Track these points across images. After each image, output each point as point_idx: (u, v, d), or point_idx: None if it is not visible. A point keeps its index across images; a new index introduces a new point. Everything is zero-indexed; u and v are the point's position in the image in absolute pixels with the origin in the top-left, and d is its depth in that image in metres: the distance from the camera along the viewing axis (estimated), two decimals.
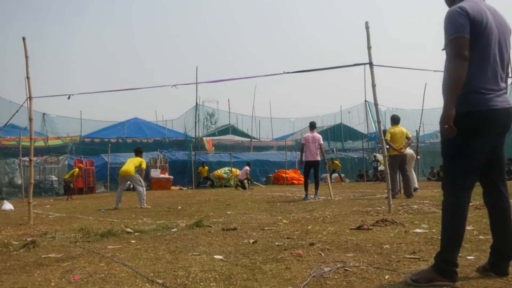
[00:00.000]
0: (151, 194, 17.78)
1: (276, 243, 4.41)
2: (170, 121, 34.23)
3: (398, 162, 10.40)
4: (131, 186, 11.65)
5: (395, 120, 10.83)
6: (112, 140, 25.81)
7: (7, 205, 12.06)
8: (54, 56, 70.70)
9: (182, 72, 71.78)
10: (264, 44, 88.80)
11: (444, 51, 2.81)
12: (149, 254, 4.12)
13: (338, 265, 3.32)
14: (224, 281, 3.04)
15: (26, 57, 7.94)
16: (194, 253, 4.06)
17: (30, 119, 8.25)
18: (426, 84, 22.48)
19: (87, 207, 11.66)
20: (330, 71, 9.48)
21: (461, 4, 2.74)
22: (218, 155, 27.54)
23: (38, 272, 3.57)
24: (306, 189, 11.14)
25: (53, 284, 3.18)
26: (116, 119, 36.86)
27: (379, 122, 7.89)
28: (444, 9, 2.87)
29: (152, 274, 3.31)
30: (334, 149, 32.17)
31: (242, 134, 33.78)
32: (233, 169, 24.27)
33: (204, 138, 29.93)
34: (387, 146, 9.97)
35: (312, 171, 11.44)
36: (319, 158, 11.15)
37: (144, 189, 10.99)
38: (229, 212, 8.11)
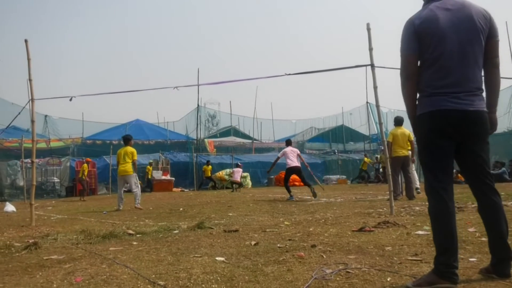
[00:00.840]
0: (152, 196, 17.83)
1: (278, 245, 4.40)
2: (172, 123, 34.26)
3: (400, 163, 10.39)
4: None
5: (398, 122, 10.81)
6: (113, 142, 25.78)
7: (9, 207, 12.09)
8: (56, 58, 70.88)
9: (184, 74, 71.99)
10: (265, 46, 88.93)
11: None
12: (151, 256, 4.13)
13: (340, 267, 3.31)
14: (226, 283, 3.04)
15: (28, 59, 7.96)
16: (196, 255, 4.06)
17: (32, 121, 8.26)
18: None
19: (89, 208, 11.67)
20: (331, 72, 9.54)
21: (416, 14, 2.91)
22: (220, 156, 27.55)
23: (40, 273, 3.57)
24: (289, 191, 12.09)
25: (55, 285, 3.18)
26: (117, 120, 36.98)
27: (380, 123, 7.90)
28: None
29: (154, 276, 3.31)
30: (336, 151, 32.17)
31: (244, 135, 33.79)
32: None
33: (205, 139, 29.95)
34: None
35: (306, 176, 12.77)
36: (299, 164, 12.43)
37: (139, 189, 11.15)
38: (230, 214, 8.11)
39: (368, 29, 7.34)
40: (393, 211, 6.91)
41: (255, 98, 49.79)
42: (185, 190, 22.91)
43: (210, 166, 23.66)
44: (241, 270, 3.38)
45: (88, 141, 27.83)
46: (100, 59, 76.83)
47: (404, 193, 10.35)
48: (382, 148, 8.77)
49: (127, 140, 11.54)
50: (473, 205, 7.07)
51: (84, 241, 5.29)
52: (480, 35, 2.76)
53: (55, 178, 22.23)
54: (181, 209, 9.94)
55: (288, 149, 12.75)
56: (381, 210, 7.60)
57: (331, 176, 27.14)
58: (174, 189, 22.53)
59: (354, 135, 34.87)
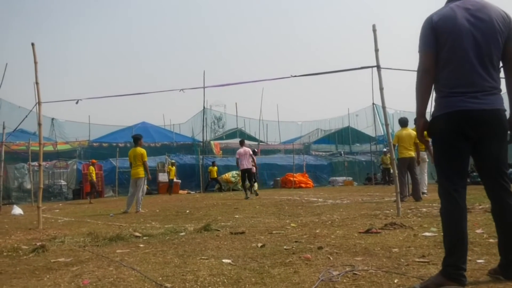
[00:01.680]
0: (158, 198, 17.88)
1: (285, 247, 4.40)
2: (178, 125, 34.32)
3: (406, 164, 10.35)
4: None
5: (402, 123, 10.79)
6: (120, 145, 25.89)
7: (17, 210, 12.15)
8: (62, 61, 71.24)
9: (190, 76, 72.10)
10: (271, 48, 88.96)
11: None
12: (158, 258, 4.13)
13: (347, 269, 3.31)
14: (233, 285, 3.04)
15: (35, 62, 8.01)
16: (203, 257, 4.06)
17: (39, 124, 8.31)
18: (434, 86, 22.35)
19: (95, 211, 11.71)
20: (337, 74, 9.50)
21: (435, 12, 2.89)
22: (226, 158, 27.53)
23: (48, 276, 3.59)
24: (245, 190, 14.33)
25: None
26: (124, 123, 37.07)
27: (387, 125, 7.88)
28: None
29: (160, 278, 3.32)
30: (342, 152, 32.09)
31: (250, 137, 33.72)
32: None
33: (211, 142, 29.96)
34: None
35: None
36: (251, 166, 14.73)
37: (143, 194, 11.24)
38: (237, 216, 8.11)
39: (374, 31, 7.33)
40: (400, 212, 6.89)
41: (261, 100, 49.78)
42: (192, 192, 22.93)
43: (215, 167, 23.65)
44: (248, 272, 3.38)
45: (94, 144, 27.93)
46: (106, 62, 77.23)
47: (410, 194, 10.31)
48: (385, 150, 8.75)
49: (136, 140, 11.60)
50: (480, 207, 7.02)
51: (91, 243, 5.31)
52: (497, 36, 2.75)
53: (62, 181, 22.32)
54: (187, 211, 9.95)
55: (242, 150, 14.41)
56: (387, 211, 7.57)
57: (337, 178, 27.06)
58: (181, 191, 22.56)
59: (360, 137, 34.75)
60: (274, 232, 5.59)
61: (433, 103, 2.92)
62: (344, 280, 3.01)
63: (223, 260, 3.86)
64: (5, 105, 24.39)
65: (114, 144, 26.34)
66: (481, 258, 3.42)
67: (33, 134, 21.89)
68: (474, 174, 18.81)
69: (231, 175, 24.03)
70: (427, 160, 11.33)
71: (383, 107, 7.56)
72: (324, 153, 32.59)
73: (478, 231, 4.73)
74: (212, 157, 26.65)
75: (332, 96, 71.51)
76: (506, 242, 2.77)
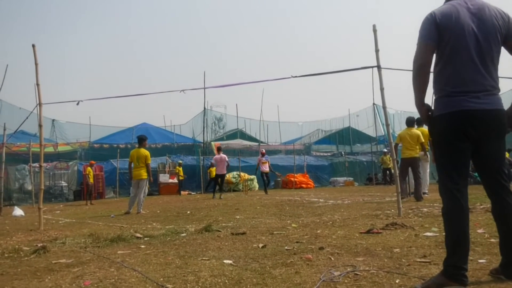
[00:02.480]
0: (159, 199, 17.87)
1: (286, 248, 4.40)
2: (179, 126, 34.28)
3: (407, 165, 10.34)
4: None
5: (409, 122, 10.76)
6: (121, 146, 25.89)
7: (18, 211, 12.15)
8: (63, 62, 71.27)
9: (190, 77, 72.08)
10: (271, 49, 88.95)
11: None
12: (159, 259, 4.13)
13: (348, 269, 3.30)
14: (234, 286, 3.04)
15: (36, 64, 8.02)
16: (204, 258, 4.06)
17: (40, 126, 8.31)
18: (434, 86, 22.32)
19: (96, 212, 11.71)
20: (338, 74, 9.47)
21: (436, 8, 2.88)
22: None
23: (49, 277, 3.59)
24: (214, 192, 16.83)
25: None
26: (125, 124, 36.96)
27: (387, 125, 7.88)
28: None
29: (162, 279, 3.32)
30: (343, 153, 32.07)
31: (250, 138, 33.72)
32: (242, 174, 24.28)
33: (212, 142, 29.91)
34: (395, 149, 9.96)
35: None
36: (225, 172, 16.89)
37: (145, 195, 11.24)
38: (238, 217, 8.10)
39: (375, 31, 7.33)
40: (401, 212, 6.89)
41: (261, 101, 49.77)
42: (192, 193, 22.93)
43: (215, 168, 23.64)
44: (249, 273, 3.38)
45: (95, 145, 27.92)
46: (107, 63, 77.28)
47: (411, 194, 10.32)
48: (385, 150, 8.72)
49: (141, 141, 11.55)
50: (481, 206, 7.02)
51: (92, 244, 5.31)
52: (497, 35, 2.76)
53: (63, 182, 22.31)
54: (188, 212, 9.95)
55: (218, 157, 16.66)
56: (388, 211, 7.57)
57: (338, 178, 27.05)
58: (182, 192, 22.56)
59: (361, 137, 34.72)
60: (275, 232, 5.58)
61: (433, 103, 2.91)
62: (346, 281, 3.01)
63: (224, 261, 3.86)
64: (6, 106, 24.38)
65: (115, 145, 26.34)
66: (483, 258, 3.41)
67: (33, 135, 21.90)
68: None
69: (232, 176, 24.01)
70: (429, 159, 11.32)
71: (384, 107, 7.56)
72: (324, 154, 32.57)
73: (480, 231, 4.73)
74: (213, 157, 26.64)
75: (332, 97, 71.48)
76: (507, 242, 2.77)
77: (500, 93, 2.83)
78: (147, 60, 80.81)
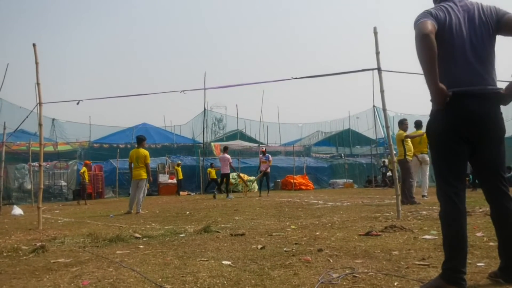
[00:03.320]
0: (159, 199, 17.87)
1: (284, 249, 4.40)
2: (179, 127, 34.31)
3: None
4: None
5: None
6: (120, 146, 25.90)
7: (17, 210, 12.15)
8: (63, 61, 71.27)
9: (191, 77, 72.07)
10: (272, 50, 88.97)
11: None
12: (158, 260, 4.13)
13: (347, 272, 3.30)
14: (232, 287, 3.04)
15: (36, 63, 8.02)
16: (202, 259, 4.06)
17: (40, 125, 8.31)
18: None
19: (96, 212, 11.71)
20: (338, 76, 9.47)
21: (430, 8, 2.87)
22: None
23: (47, 277, 3.59)
24: (221, 191, 17.73)
25: None
26: (124, 124, 37.01)
27: (387, 127, 7.88)
28: None
29: (160, 279, 3.32)
30: (342, 155, 32.08)
31: (250, 139, 33.73)
32: (241, 174, 24.28)
33: (212, 143, 29.94)
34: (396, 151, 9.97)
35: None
36: (228, 172, 17.03)
37: (144, 195, 11.24)
38: (237, 218, 8.10)
39: (375, 33, 7.34)
40: (400, 215, 6.89)
41: (261, 102, 49.78)
42: (192, 194, 22.94)
43: (214, 169, 23.66)
44: (248, 274, 3.37)
45: (95, 145, 27.94)
46: (107, 63, 77.27)
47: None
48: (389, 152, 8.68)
49: (140, 141, 11.55)
50: (480, 210, 7.02)
51: (91, 244, 5.31)
52: (490, 31, 2.77)
53: (62, 181, 22.31)
54: (187, 212, 9.95)
55: (221, 156, 17.23)
56: (388, 214, 7.57)
57: (337, 180, 27.07)
58: (181, 193, 22.57)
59: (360, 139, 34.74)
60: (274, 234, 5.58)
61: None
62: (344, 283, 3.01)
63: (223, 262, 3.86)
64: (6, 105, 24.40)
65: (115, 145, 26.36)
66: (481, 261, 3.41)
67: (33, 134, 21.90)
68: None
69: (231, 177, 24.00)
70: (429, 162, 11.31)
71: (384, 110, 7.56)
72: (324, 155, 32.58)
73: (478, 234, 4.73)
74: (213, 158, 26.64)
75: (332, 98, 71.46)
76: (505, 246, 2.77)
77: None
78: (148, 60, 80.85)
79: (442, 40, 2.73)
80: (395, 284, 2.91)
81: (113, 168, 22.82)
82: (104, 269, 3.79)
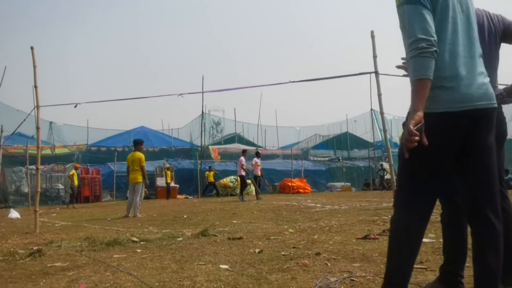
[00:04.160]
0: (156, 202, 17.84)
1: (282, 253, 4.39)
2: (176, 130, 34.34)
3: None
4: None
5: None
6: (118, 149, 25.85)
7: (14, 214, 12.11)
8: (60, 64, 71.24)
9: (188, 81, 72.08)
10: (270, 53, 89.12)
11: None
12: (155, 264, 4.12)
13: (345, 275, 3.30)
14: None
15: (34, 66, 8.01)
16: (200, 263, 4.05)
17: (38, 128, 8.30)
18: None
19: (93, 215, 11.68)
20: (336, 80, 9.52)
21: None
22: (224, 163, 27.52)
23: (44, 281, 3.57)
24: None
25: None
26: (122, 127, 36.97)
27: (385, 131, 7.90)
28: None
29: (157, 283, 3.30)
30: (340, 158, 32.12)
31: (248, 142, 33.75)
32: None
33: (210, 146, 29.94)
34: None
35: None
36: (241, 174, 17.13)
37: (141, 198, 11.25)
38: (235, 221, 8.09)
39: (372, 37, 7.36)
40: None
41: (259, 105, 49.87)
42: (189, 197, 22.89)
43: (212, 172, 23.64)
44: (245, 278, 3.36)
45: (92, 148, 27.89)
46: (105, 66, 77.25)
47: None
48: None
49: (136, 144, 11.62)
50: None
51: (88, 248, 5.29)
52: (497, 38, 2.79)
53: (59, 184, 22.27)
54: (185, 216, 9.93)
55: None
56: (386, 217, 7.56)
57: (335, 183, 27.07)
58: (178, 196, 22.52)
59: (358, 142, 34.81)
60: (272, 237, 5.57)
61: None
62: (342, 287, 3.01)
63: (221, 266, 3.85)
64: (4, 108, 24.39)
65: (112, 148, 26.31)
66: None
67: (31, 137, 21.83)
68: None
69: (229, 180, 23.99)
70: None
71: (381, 113, 7.59)
72: (322, 159, 32.62)
73: None
74: (210, 162, 26.64)
75: (330, 102, 71.58)
76: (505, 250, 2.76)
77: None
78: (146, 63, 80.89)
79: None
80: None
81: (111, 172, 22.78)
82: (101, 273, 3.78)
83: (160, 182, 23.20)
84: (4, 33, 67.95)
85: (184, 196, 22.92)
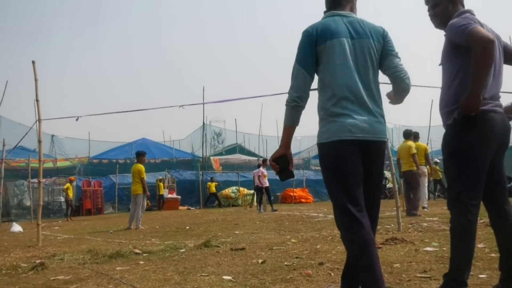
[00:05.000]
0: (159, 214, 17.81)
1: (285, 263, 4.38)
2: (178, 141, 34.31)
3: (404, 179, 10.34)
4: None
5: (403, 135, 10.77)
6: (120, 161, 25.86)
7: (16, 227, 12.10)
8: (61, 78, 71.46)
9: (189, 92, 72.15)
10: (270, 63, 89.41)
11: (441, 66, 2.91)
12: (158, 275, 4.11)
13: None
14: None
15: (36, 80, 8.05)
16: (203, 274, 4.04)
17: (39, 141, 8.32)
18: (432, 101, 22.36)
19: (95, 228, 11.67)
20: None
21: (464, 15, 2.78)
22: (226, 174, 27.51)
23: None
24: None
25: None
26: (124, 139, 37.03)
27: (386, 139, 7.89)
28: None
29: None
30: None
31: (249, 153, 33.74)
32: (241, 188, 24.23)
33: (211, 157, 29.93)
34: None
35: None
36: (256, 184, 16.47)
37: (143, 210, 11.24)
38: (237, 232, 8.07)
39: None
40: (400, 227, 6.87)
41: (260, 116, 49.89)
42: (192, 208, 22.85)
43: (214, 183, 23.62)
44: None
45: (94, 161, 27.90)
46: (106, 79, 77.38)
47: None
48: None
49: (138, 156, 11.68)
50: (481, 221, 6.99)
51: (90, 261, 5.28)
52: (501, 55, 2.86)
53: (61, 197, 22.25)
54: (187, 227, 9.91)
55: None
56: (388, 226, 7.54)
57: None
58: (180, 207, 22.47)
59: None
60: (274, 248, 5.56)
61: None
62: None
63: (224, 277, 3.84)
64: (5, 122, 24.43)
65: (114, 161, 26.31)
66: (483, 273, 3.40)
67: (33, 151, 21.84)
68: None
69: (231, 191, 23.97)
70: (427, 174, 11.29)
71: None
72: None
73: (480, 245, 4.72)
74: (212, 172, 26.62)
75: None
76: (506, 254, 2.76)
77: None
78: (146, 75, 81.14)
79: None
80: None
81: (113, 184, 22.78)
82: (104, 285, 3.77)
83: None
84: (5, 47, 68.31)
85: (186, 207, 22.89)
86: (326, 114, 2.50)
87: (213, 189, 23.36)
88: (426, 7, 3.01)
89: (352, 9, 2.64)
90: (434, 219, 8.29)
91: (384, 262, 4.10)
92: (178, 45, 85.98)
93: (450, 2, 2.87)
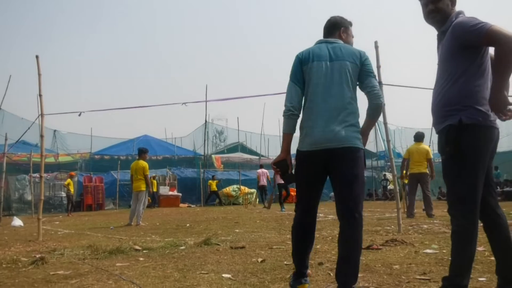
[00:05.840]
0: (159, 211, 17.82)
1: (285, 262, 4.38)
2: (180, 139, 34.36)
3: (415, 180, 10.30)
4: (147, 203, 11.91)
5: (417, 137, 10.71)
6: (121, 157, 25.92)
7: (17, 221, 12.14)
8: (65, 73, 71.58)
9: (192, 90, 72.23)
10: (273, 62, 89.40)
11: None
12: (157, 272, 4.12)
13: None
14: None
15: (39, 74, 8.06)
16: (202, 272, 4.04)
17: (42, 136, 8.33)
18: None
19: (96, 223, 11.69)
20: None
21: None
22: (227, 172, 27.54)
23: None
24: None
25: None
26: (126, 136, 37.07)
27: (388, 141, 7.88)
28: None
29: None
30: None
31: (251, 151, 33.76)
32: (242, 187, 24.24)
33: (213, 155, 29.98)
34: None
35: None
36: (263, 183, 18.61)
37: (144, 207, 11.29)
38: (237, 230, 8.08)
39: (376, 47, 7.38)
40: (401, 229, 6.86)
41: (262, 114, 49.87)
42: (192, 206, 22.89)
43: (215, 181, 23.65)
44: None
45: (96, 156, 27.98)
46: (109, 74, 77.52)
47: (424, 210, 10.26)
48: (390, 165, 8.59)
49: (140, 153, 11.67)
50: (480, 224, 6.99)
51: (90, 256, 5.29)
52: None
53: (63, 192, 22.31)
54: (187, 225, 9.92)
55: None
56: (388, 228, 7.54)
57: None
58: (181, 205, 22.50)
59: None
60: (274, 247, 5.56)
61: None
62: None
63: (223, 275, 3.85)
64: (8, 116, 24.50)
65: (116, 157, 26.37)
66: (483, 276, 3.40)
67: (35, 145, 21.93)
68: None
69: (232, 189, 23.99)
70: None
71: (385, 123, 7.58)
72: None
73: (480, 248, 4.70)
74: (213, 170, 26.64)
75: None
76: (502, 258, 2.75)
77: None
78: (150, 72, 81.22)
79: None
80: None
81: (114, 180, 22.84)
82: (104, 281, 3.78)
83: (163, 190, 23.22)
84: (8, 41, 68.41)
85: (186, 205, 22.92)
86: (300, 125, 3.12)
87: (214, 187, 23.39)
88: (419, 3, 2.95)
89: (340, 35, 3.30)
90: (435, 221, 8.28)
91: (384, 264, 4.11)
92: (183, 43, 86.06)
93: (450, 0, 2.84)
